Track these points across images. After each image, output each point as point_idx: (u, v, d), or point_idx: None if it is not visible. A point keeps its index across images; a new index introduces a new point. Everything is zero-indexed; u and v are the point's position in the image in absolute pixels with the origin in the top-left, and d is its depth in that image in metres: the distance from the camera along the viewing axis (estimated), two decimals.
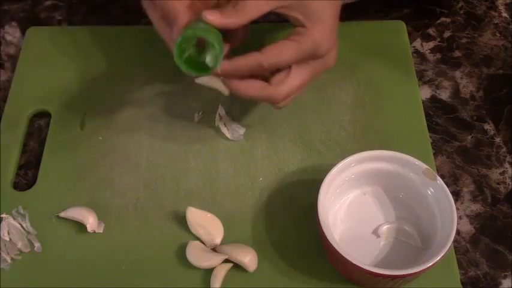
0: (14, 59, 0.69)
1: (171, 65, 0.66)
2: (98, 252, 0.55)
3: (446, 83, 0.67)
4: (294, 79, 0.52)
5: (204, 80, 0.53)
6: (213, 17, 0.48)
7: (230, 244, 0.54)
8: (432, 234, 0.52)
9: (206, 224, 0.55)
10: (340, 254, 0.48)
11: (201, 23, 0.48)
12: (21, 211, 0.56)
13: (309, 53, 0.51)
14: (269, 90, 0.52)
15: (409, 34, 0.69)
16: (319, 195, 0.51)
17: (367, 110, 0.63)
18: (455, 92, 0.66)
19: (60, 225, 0.56)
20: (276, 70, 0.52)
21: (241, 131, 0.61)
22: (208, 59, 0.49)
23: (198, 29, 0.48)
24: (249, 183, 0.59)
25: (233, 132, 0.61)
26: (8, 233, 0.55)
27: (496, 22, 0.72)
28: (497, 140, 0.63)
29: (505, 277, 0.55)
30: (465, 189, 0.60)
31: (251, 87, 0.52)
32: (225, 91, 0.52)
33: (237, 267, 0.53)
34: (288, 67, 0.52)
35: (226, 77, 0.51)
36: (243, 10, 0.48)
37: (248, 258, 0.53)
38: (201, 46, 0.49)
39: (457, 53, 0.69)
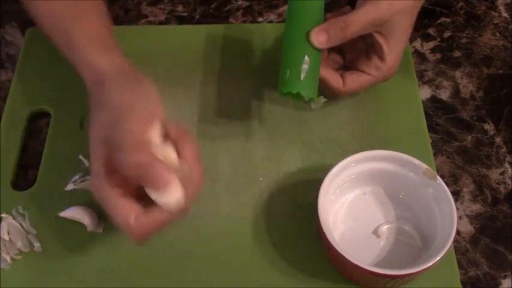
0: (14, 59, 0.69)
1: (171, 65, 0.67)
2: (98, 252, 0.55)
3: (446, 83, 0.67)
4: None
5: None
6: (322, 39, 0.53)
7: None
8: (432, 235, 0.51)
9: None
10: (340, 254, 0.48)
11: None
12: (21, 211, 0.56)
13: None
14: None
15: None
16: (319, 195, 0.51)
17: (367, 110, 0.63)
18: (455, 92, 0.66)
19: (60, 225, 0.56)
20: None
21: None
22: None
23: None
24: (249, 183, 0.59)
25: None
26: (8, 233, 0.55)
27: (496, 22, 0.72)
28: (497, 140, 0.63)
29: (505, 277, 0.55)
30: (465, 189, 0.60)
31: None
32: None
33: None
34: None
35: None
36: (347, 30, 0.53)
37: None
38: None
39: (457, 53, 0.69)
